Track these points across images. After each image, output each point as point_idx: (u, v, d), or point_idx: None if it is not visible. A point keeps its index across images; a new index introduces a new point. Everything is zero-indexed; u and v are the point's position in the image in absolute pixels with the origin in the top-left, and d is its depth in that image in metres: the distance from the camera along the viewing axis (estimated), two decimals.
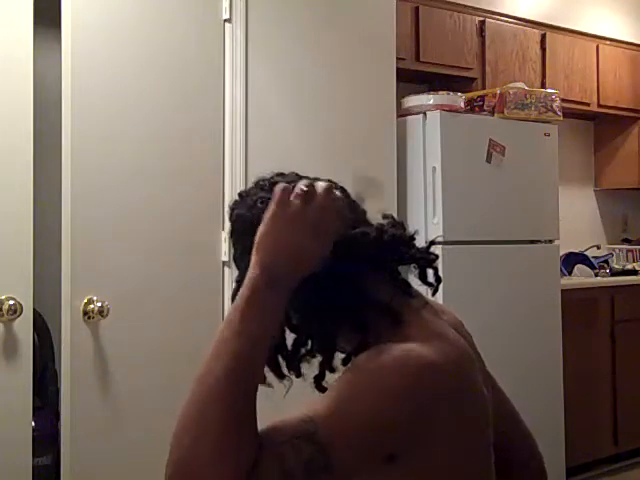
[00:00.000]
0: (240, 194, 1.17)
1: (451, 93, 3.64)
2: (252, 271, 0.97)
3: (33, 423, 2.38)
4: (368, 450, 0.96)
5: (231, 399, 0.92)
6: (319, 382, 1.12)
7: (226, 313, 1.00)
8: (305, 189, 0.98)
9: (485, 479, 1.08)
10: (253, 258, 0.98)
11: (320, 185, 1.01)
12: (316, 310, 1.08)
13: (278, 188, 0.99)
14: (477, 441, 1.07)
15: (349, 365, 1.04)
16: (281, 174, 1.16)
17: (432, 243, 1.16)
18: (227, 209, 1.17)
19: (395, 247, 1.11)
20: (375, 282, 1.10)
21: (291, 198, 0.98)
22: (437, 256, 1.14)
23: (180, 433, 0.94)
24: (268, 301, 0.96)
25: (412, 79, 4.06)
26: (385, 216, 1.15)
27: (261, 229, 0.99)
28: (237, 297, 0.98)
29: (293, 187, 0.99)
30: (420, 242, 1.16)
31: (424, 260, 1.13)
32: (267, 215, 0.99)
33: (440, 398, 1.00)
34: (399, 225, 1.14)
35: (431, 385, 0.99)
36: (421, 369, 0.99)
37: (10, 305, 2.29)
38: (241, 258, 1.11)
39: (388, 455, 0.98)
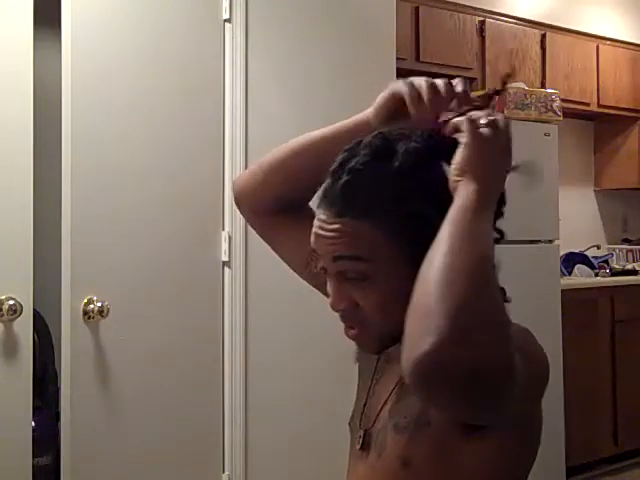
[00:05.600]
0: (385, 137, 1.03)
1: None
2: (467, 196, 0.93)
3: (33, 423, 2.38)
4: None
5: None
6: None
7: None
8: (493, 119, 0.98)
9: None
10: (464, 182, 0.94)
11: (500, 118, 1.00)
12: None
13: (470, 118, 0.98)
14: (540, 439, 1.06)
15: None
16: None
17: None
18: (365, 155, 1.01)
19: None
20: None
21: (480, 127, 0.97)
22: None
23: (464, 317, 0.82)
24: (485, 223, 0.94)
25: None
26: None
27: (467, 155, 0.96)
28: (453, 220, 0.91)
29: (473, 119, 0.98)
30: None
31: None
32: (466, 140, 0.96)
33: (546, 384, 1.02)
34: None
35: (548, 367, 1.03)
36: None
37: (10, 305, 2.29)
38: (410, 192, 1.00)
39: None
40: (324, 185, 1.04)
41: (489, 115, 0.99)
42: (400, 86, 1.05)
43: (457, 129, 0.99)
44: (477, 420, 0.93)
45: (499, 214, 1.07)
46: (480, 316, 0.84)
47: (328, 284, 1.06)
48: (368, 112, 1.11)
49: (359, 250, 1.00)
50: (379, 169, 1.00)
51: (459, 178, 0.95)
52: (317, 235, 1.03)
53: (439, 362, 0.81)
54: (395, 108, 1.06)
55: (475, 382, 0.82)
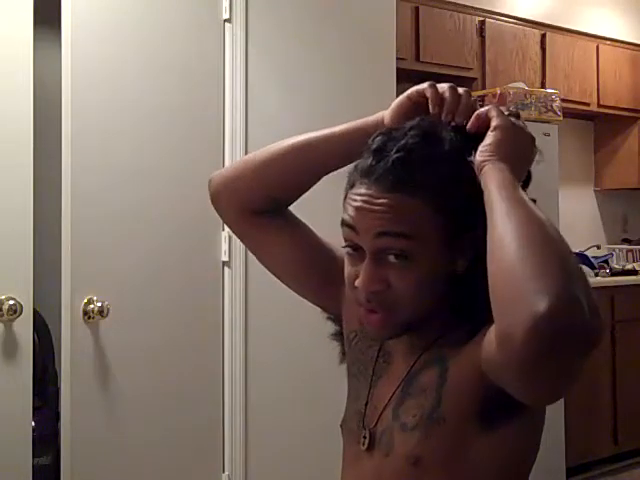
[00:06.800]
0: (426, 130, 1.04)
1: None
2: (501, 174, 0.96)
3: (33, 423, 2.38)
4: None
5: None
6: None
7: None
8: (516, 110, 1.08)
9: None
10: (494, 162, 0.98)
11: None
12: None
13: (490, 107, 1.04)
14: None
15: None
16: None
17: None
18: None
19: None
20: None
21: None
22: None
23: (569, 280, 0.82)
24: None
25: (412, 79, 4.05)
26: None
27: (497, 137, 1.00)
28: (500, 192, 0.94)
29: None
30: None
31: None
32: (497, 124, 1.01)
33: None
34: None
35: None
36: None
37: (10, 305, 2.29)
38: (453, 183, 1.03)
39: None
40: (364, 163, 1.03)
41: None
42: (424, 87, 1.08)
43: (481, 118, 1.03)
44: (552, 397, 0.90)
45: None
46: (579, 281, 0.84)
47: (350, 264, 1.05)
48: (382, 113, 1.12)
49: (405, 227, 0.99)
50: (432, 149, 1.01)
51: (489, 158, 0.98)
52: (360, 209, 1.01)
53: (556, 325, 0.79)
54: (411, 110, 1.08)
55: (584, 347, 0.82)
